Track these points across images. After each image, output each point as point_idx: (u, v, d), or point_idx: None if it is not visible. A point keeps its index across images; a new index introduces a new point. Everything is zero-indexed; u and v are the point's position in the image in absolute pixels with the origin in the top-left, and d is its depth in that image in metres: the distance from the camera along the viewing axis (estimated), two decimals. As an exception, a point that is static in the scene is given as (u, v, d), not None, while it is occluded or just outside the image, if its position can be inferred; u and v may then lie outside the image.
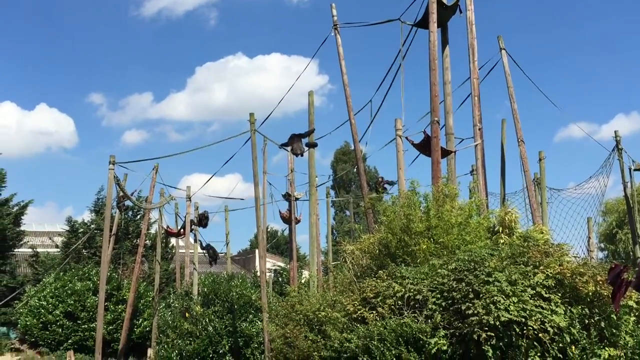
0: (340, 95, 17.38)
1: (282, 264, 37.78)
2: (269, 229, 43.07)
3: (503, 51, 17.07)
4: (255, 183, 15.17)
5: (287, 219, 23.58)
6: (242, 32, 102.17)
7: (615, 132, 18.72)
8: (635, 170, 18.51)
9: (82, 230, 37.31)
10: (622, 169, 18.45)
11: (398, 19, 15.48)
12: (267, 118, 22.55)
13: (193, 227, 24.91)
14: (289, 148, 16.80)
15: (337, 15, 17.59)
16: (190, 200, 24.74)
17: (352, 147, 19.53)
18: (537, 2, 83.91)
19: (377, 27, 17.68)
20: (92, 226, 36.24)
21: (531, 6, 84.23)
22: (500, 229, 10.51)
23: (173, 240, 34.42)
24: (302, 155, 16.41)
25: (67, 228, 38.57)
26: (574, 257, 9.78)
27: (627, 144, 19.24)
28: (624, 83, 79.53)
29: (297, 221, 23.96)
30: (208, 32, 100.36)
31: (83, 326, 25.38)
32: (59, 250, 39.61)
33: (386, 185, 19.26)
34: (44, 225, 55.84)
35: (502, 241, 10.11)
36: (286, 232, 28.14)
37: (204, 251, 25.64)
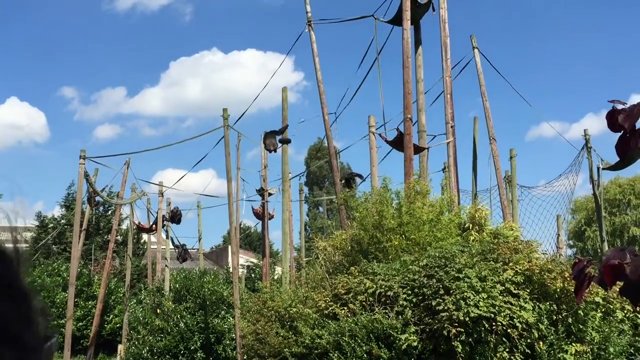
0: (316, 92, 17.43)
1: (255, 260, 37.71)
2: (242, 225, 42.89)
3: (476, 50, 17.22)
4: (228, 179, 15.11)
5: (260, 215, 23.53)
6: (218, 28, 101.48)
7: (584, 130, 18.97)
8: (603, 169, 18.78)
9: (52, 225, 36.81)
10: (590, 167, 18.71)
11: (372, 15, 15.56)
12: (241, 116, 22.63)
13: (165, 223, 24.74)
14: (262, 144, 16.81)
15: (311, 11, 17.59)
16: (162, 196, 24.55)
17: (326, 144, 19.54)
18: (511, 3, 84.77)
19: (353, 25, 17.76)
20: (62, 221, 35.77)
21: (505, 7, 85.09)
22: (471, 225, 10.60)
23: (145, 236, 34.14)
24: (275, 151, 16.40)
25: (37, 223, 38.03)
26: (543, 253, 9.91)
27: (596, 143, 19.68)
28: (594, 82, 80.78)
29: (271, 217, 23.92)
30: (183, 27, 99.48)
31: (52, 323, 25.00)
32: (27, 245, 39.02)
33: (356, 179, 19.25)
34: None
35: (472, 238, 10.20)
36: (259, 228, 28.15)
37: (174, 247, 25.49)
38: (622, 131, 2.15)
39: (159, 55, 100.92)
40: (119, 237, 33.00)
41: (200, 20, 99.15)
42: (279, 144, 16.19)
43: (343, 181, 17.47)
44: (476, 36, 17.37)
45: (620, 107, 2.15)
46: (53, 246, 36.53)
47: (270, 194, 23.03)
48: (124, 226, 33.72)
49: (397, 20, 14.80)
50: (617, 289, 2.36)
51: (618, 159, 2.53)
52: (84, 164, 17.27)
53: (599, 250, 29.87)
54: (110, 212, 36.78)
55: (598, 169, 18.74)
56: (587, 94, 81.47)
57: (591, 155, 18.66)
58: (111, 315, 25.77)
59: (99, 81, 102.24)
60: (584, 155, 18.65)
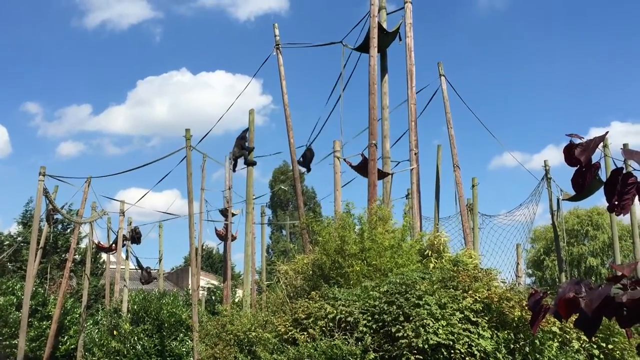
0: (283, 115, 17.50)
1: (216, 282, 37.25)
2: (204, 247, 42.50)
3: (442, 77, 17.50)
4: (190, 200, 14.95)
5: (223, 236, 23.33)
6: (187, 49, 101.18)
7: (544, 161, 19.35)
8: (562, 199, 19.14)
9: (7, 242, 35.88)
10: (550, 198, 19.05)
11: (340, 42, 15.71)
12: (205, 136, 22.51)
13: (125, 242, 24.35)
14: (228, 163, 16.71)
15: (279, 35, 17.71)
16: (123, 215, 24.19)
17: (291, 167, 19.53)
18: (477, 35, 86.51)
19: (322, 49, 17.91)
20: (19, 239, 34.92)
21: (472, 35, 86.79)
22: (430, 252, 10.65)
23: (104, 256, 33.52)
24: (237, 158, 16.33)
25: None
26: (502, 282, 9.99)
27: (556, 174, 20.11)
28: (556, 114, 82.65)
29: (233, 238, 23.71)
30: (152, 47, 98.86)
31: (4, 342, 24.27)
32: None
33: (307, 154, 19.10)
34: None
35: (432, 265, 10.23)
36: (222, 250, 27.88)
37: (136, 268, 25.09)
38: (579, 165, 2.17)
39: (126, 73, 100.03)
40: (77, 256, 32.33)
41: (170, 40, 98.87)
42: (241, 165, 16.14)
43: (301, 159, 17.40)
44: (442, 64, 17.69)
45: (577, 141, 2.18)
46: (8, 264, 35.56)
47: (233, 215, 22.88)
48: (82, 245, 33.09)
49: (364, 48, 14.96)
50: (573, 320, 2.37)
51: (573, 187, 2.55)
52: (43, 180, 16.95)
53: (557, 279, 30.30)
54: (69, 230, 36.04)
55: (557, 199, 19.10)
56: (549, 125, 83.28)
57: (551, 186, 19.03)
58: (66, 336, 25.09)
59: (64, 98, 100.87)
60: (544, 185, 18.99)
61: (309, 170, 17.32)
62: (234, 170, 17.31)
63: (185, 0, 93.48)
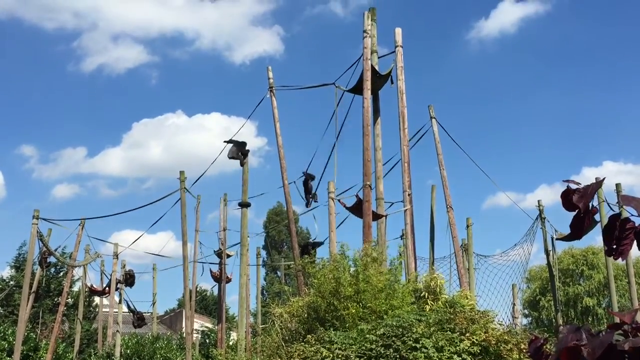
0: (277, 157, 17.67)
1: (210, 325, 36.79)
2: (198, 288, 42.06)
3: (433, 120, 17.65)
4: (184, 242, 14.85)
5: (218, 278, 23.14)
6: (183, 91, 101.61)
7: (538, 201, 19.36)
8: (557, 239, 19.09)
9: (0, 287, 35.45)
10: (545, 237, 19.01)
11: (333, 83, 15.84)
12: (198, 178, 22.25)
13: (119, 285, 24.11)
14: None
15: (273, 77, 17.88)
16: (117, 258, 24.00)
17: (285, 208, 19.48)
18: (468, 77, 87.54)
19: (316, 91, 18.10)
20: (11, 283, 34.51)
21: (462, 80, 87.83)
22: (426, 294, 10.55)
23: (97, 299, 33.16)
24: (237, 158, 16.14)
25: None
26: (499, 324, 9.88)
27: (550, 214, 20.23)
28: (547, 154, 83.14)
29: (228, 280, 23.53)
30: (148, 90, 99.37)
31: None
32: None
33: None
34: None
35: (428, 307, 10.13)
36: (216, 291, 27.61)
37: (129, 311, 24.80)
38: (577, 210, 2.15)
39: (122, 116, 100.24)
40: (69, 299, 31.92)
41: (166, 83, 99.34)
42: (242, 157, 15.93)
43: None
44: (433, 106, 17.85)
45: (574, 187, 2.17)
46: (0, 308, 35.07)
47: (228, 256, 22.73)
48: (75, 288, 32.72)
49: (357, 89, 15.08)
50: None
51: (571, 232, 2.53)
52: (37, 224, 16.84)
53: (553, 320, 30.06)
54: (61, 273, 35.67)
55: (552, 239, 19.06)
56: (541, 164, 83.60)
57: (545, 226, 19.00)
58: (58, 382, 24.59)
59: (59, 140, 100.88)
60: (539, 225, 18.97)
61: (309, 202, 17.15)
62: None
63: (181, 45, 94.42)
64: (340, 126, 15.84)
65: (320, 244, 17.77)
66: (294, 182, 17.50)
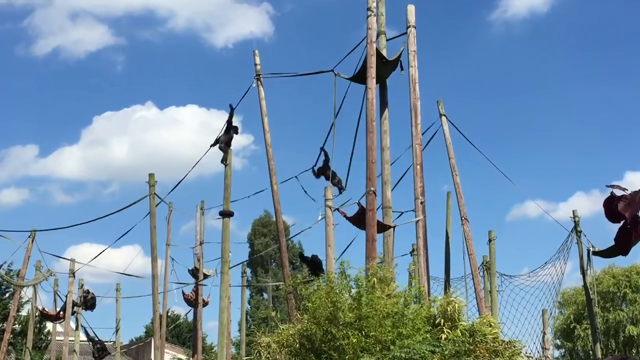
0: (265, 157, 17.61)
1: (184, 357, 36.71)
2: (170, 314, 41.99)
3: (443, 117, 17.66)
4: (153, 258, 14.89)
5: (193, 302, 23.09)
6: (154, 80, 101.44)
7: (573, 212, 19.33)
8: (593, 254, 19.01)
9: None
10: (580, 254, 18.98)
11: (331, 70, 15.80)
12: (174, 187, 21.74)
13: (76, 309, 24.05)
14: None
15: (260, 64, 17.86)
16: (74, 276, 23.97)
17: (274, 218, 19.46)
18: (489, 66, 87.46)
19: (312, 81, 18.11)
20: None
21: (482, 70, 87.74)
22: (442, 321, 10.53)
23: (49, 325, 33.05)
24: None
25: None
26: (527, 356, 9.88)
27: (587, 226, 20.20)
28: (584, 158, 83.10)
29: (205, 304, 23.50)
30: (112, 77, 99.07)
31: None
32: None
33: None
34: None
35: (444, 336, 10.11)
36: (191, 317, 27.52)
37: (88, 340, 24.75)
38: (622, 221, 2.15)
39: (81, 109, 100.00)
40: (16, 325, 31.82)
41: (134, 70, 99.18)
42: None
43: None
44: (443, 102, 17.85)
45: (619, 193, 2.16)
46: None
47: (206, 276, 22.68)
48: (23, 312, 32.63)
49: (359, 78, 15.06)
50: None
51: (614, 246, 2.52)
52: (-22, 235, 16.79)
53: (591, 352, 30.06)
54: (7, 295, 35.57)
55: (589, 253, 19.00)
56: (577, 169, 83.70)
57: (581, 240, 18.96)
58: None
59: (5, 137, 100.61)
60: (573, 239, 18.94)
61: (340, 187, 16.38)
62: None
63: (152, 25, 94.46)
64: (335, 118, 15.80)
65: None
66: (296, 177, 17.26)
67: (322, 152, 16.37)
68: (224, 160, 14.64)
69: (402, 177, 16.81)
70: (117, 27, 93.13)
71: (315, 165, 16.52)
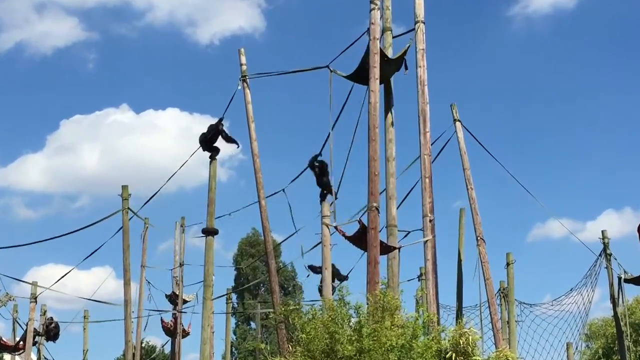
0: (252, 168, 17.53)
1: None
2: (144, 344, 41.85)
3: (458, 123, 17.62)
4: (126, 281, 14.84)
5: (172, 331, 23.00)
6: (130, 80, 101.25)
7: (602, 232, 19.31)
8: (625, 281, 18.98)
9: None
10: (610, 281, 18.96)
11: (326, 66, 15.73)
12: (151, 198, 21.60)
13: (37, 339, 23.95)
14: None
15: (246, 63, 17.85)
16: (35, 302, 23.84)
17: (262, 237, 19.42)
18: (506, 68, 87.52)
19: (307, 84, 18.09)
20: None
21: (499, 72, 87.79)
22: (454, 355, 10.50)
23: (7, 358, 32.90)
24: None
25: None
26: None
27: (618, 248, 20.00)
28: (615, 171, 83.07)
29: (185, 334, 23.42)
30: (83, 77, 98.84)
31: None
32: None
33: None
34: None
35: (457, 373, 10.08)
36: (168, 348, 27.41)
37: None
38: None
39: (46, 111, 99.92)
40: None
41: (107, 69, 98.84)
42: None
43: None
44: (457, 106, 17.83)
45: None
46: None
47: (185, 302, 22.58)
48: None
49: (358, 76, 15.04)
50: None
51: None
52: None
53: (621, 390, 29.96)
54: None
55: (620, 280, 18.99)
56: (606, 185, 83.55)
57: (611, 265, 18.93)
58: None
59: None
60: (602, 264, 18.92)
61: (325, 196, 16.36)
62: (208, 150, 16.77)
63: (128, 18, 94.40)
64: (335, 122, 15.79)
65: (344, 277, 17.44)
66: (283, 190, 17.32)
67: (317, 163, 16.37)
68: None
69: (409, 192, 16.82)
70: (89, 20, 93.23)
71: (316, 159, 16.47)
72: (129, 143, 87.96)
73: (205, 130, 16.69)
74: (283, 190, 17.51)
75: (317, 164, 16.23)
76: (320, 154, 16.39)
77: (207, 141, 16.53)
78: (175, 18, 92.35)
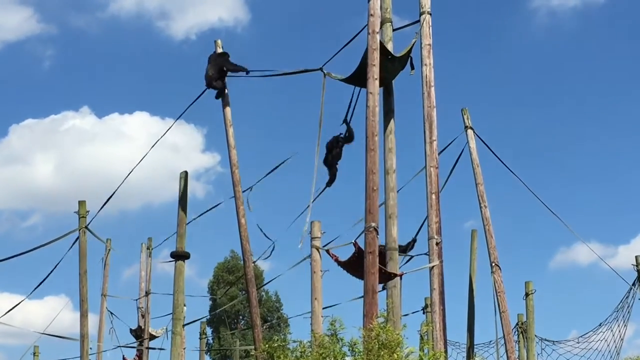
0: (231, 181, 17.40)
1: None
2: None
3: (469, 131, 17.58)
4: (83, 312, 14.74)
5: (135, 372, 22.92)
6: (91, 80, 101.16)
7: (636, 258, 19.32)
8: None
9: None
10: (645, 314, 18.96)
11: (320, 69, 15.72)
12: (100, 209, 21.31)
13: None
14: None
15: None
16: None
17: (242, 261, 19.35)
18: (527, 68, 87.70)
19: (298, 86, 18.10)
20: None
21: (519, 73, 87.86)
22: (466, 401, 10.51)
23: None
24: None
25: None
26: None
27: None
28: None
29: (151, 375, 23.33)
30: (37, 75, 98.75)
31: None
32: None
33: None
34: None
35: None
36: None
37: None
38: None
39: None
40: None
41: (66, 66, 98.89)
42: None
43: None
44: (469, 110, 17.82)
45: None
46: None
47: (153, 337, 22.52)
48: None
49: (356, 79, 15.03)
50: None
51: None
52: None
53: None
54: None
55: (655, 315, 19.00)
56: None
57: (646, 297, 18.94)
58: None
59: None
60: (636, 294, 18.94)
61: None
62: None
63: (89, 8, 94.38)
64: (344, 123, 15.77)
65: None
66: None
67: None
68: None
69: (415, 211, 16.79)
70: (45, 11, 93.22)
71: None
72: (90, 152, 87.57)
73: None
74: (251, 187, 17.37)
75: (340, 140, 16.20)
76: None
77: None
78: (144, 9, 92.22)
